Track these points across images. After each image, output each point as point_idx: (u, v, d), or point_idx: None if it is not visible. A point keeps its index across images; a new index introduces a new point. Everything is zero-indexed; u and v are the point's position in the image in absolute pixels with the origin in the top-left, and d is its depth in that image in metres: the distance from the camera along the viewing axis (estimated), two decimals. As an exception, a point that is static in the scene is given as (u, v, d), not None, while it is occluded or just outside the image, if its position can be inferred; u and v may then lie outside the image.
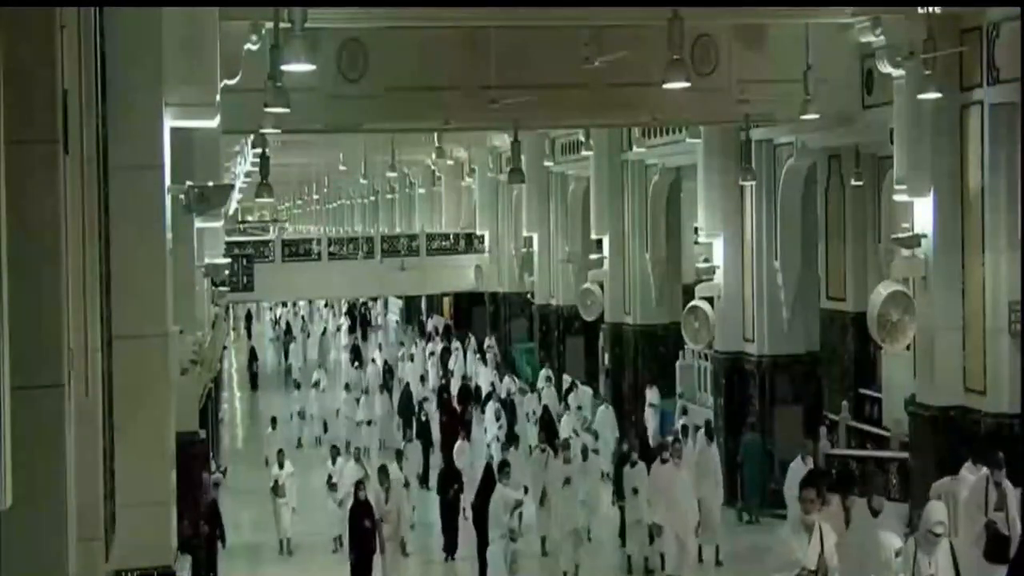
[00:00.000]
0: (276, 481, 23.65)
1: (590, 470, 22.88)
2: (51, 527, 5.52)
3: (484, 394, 32.84)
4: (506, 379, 34.38)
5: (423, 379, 37.13)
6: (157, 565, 9.20)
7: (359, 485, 20.42)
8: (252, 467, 28.50)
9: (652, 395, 29.57)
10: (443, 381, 36.91)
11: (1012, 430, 17.11)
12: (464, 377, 36.72)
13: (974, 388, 18.06)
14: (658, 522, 19.55)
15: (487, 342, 41.14)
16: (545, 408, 30.19)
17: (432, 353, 42.27)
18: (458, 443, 25.90)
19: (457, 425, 29.10)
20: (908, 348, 19.56)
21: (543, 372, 34.17)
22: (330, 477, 23.76)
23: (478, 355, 40.02)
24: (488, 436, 29.18)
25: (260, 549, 23.38)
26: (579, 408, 30.03)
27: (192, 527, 15.12)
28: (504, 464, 20.71)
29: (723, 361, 25.69)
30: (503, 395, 31.97)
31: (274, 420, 29.14)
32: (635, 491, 20.46)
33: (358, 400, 33.81)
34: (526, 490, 22.46)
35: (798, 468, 19.22)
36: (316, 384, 36.77)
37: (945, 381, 18.36)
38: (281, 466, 23.92)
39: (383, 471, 20.87)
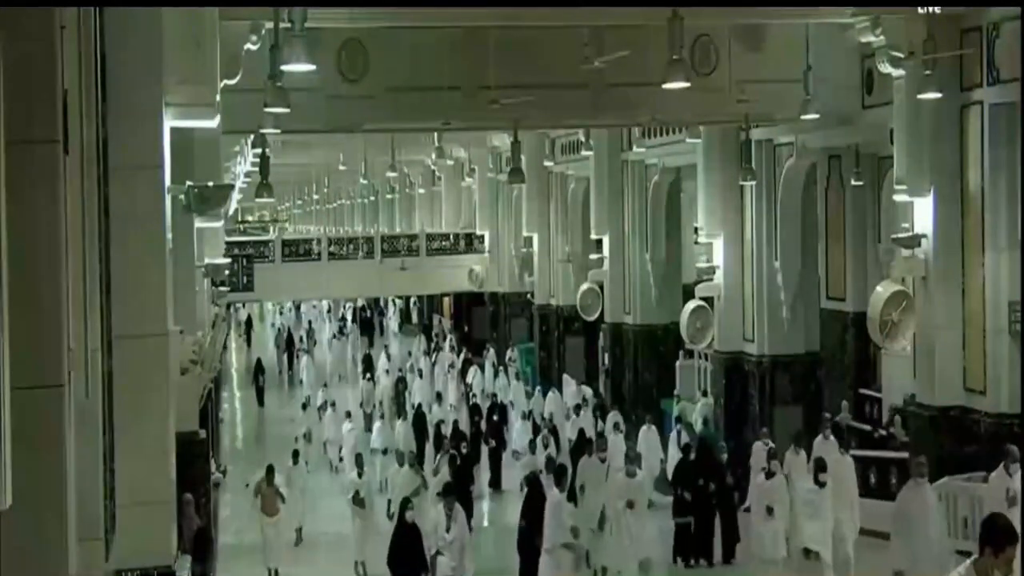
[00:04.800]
0: (257, 490, 20.52)
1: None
2: (51, 527, 5.51)
3: (522, 415, 29.61)
4: (549, 397, 30.88)
5: (439, 397, 32.70)
6: (157, 565, 9.19)
7: (407, 504, 17.33)
8: (252, 467, 28.04)
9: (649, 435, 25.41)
10: (473, 401, 32.22)
11: (1012, 430, 17.10)
12: (492, 395, 32.11)
13: (974, 388, 18.06)
14: (810, 545, 16.87)
15: (509, 354, 38.67)
16: (580, 432, 26.10)
17: (451, 366, 38.76)
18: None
19: (477, 455, 25.98)
20: (908, 348, 19.55)
21: (575, 389, 31.10)
22: (357, 492, 20.69)
23: (502, 367, 37.04)
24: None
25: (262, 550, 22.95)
26: (615, 425, 26.61)
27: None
28: (562, 469, 18.32)
29: (723, 361, 25.68)
30: (544, 416, 28.73)
31: (296, 453, 24.39)
32: (769, 511, 17.40)
33: (368, 416, 31.56)
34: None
35: (1001, 480, 14.73)
36: (326, 404, 31.90)
37: (945, 381, 18.36)
38: (270, 482, 20.61)
39: (448, 492, 17.54)
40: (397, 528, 17.30)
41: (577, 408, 28.36)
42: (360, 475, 21.06)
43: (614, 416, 27.25)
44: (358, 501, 20.57)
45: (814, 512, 16.79)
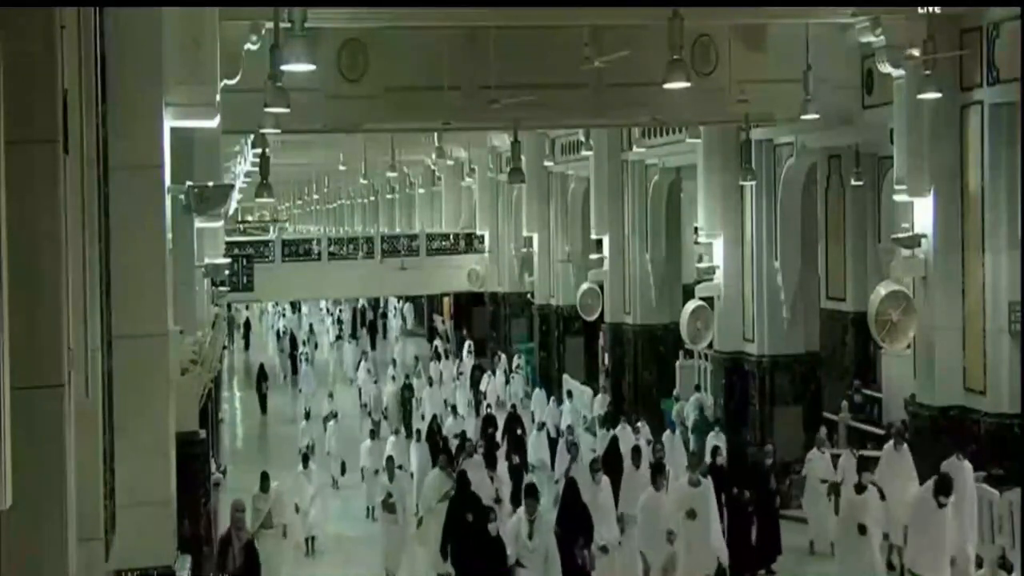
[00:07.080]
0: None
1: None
2: (51, 527, 5.51)
3: (537, 425, 27.29)
4: (565, 407, 29.41)
5: (454, 410, 30.66)
6: (157, 565, 9.19)
7: (488, 515, 15.97)
8: (252, 467, 27.75)
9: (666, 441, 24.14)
10: (488, 411, 30.46)
11: (1012, 430, 17.10)
12: (512, 406, 30.48)
13: (974, 388, 18.06)
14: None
15: (516, 361, 37.69)
16: (613, 440, 23.70)
17: (461, 373, 37.50)
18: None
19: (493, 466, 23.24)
20: (908, 348, 19.56)
21: (599, 398, 29.95)
22: (388, 496, 19.72)
23: (513, 375, 36.07)
24: (556, 474, 23.73)
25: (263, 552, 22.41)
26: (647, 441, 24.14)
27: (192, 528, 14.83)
28: (660, 467, 17.07)
29: (723, 361, 25.68)
30: (562, 426, 27.08)
31: (306, 458, 23.15)
32: (862, 529, 15.77)
33: (376, 424, 30.08)
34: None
35: None
36: (332, 415, 30.22)
37: (945, 381, 18.36)
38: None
39: (530, 495, 15.73)
40: (477, 541, 16.04)
41: (611, 420, 26.79)
42: (391, 479, 19.97)
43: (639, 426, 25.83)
44: (388, 506, 19.63)
45: (929, 533, 14.62)
